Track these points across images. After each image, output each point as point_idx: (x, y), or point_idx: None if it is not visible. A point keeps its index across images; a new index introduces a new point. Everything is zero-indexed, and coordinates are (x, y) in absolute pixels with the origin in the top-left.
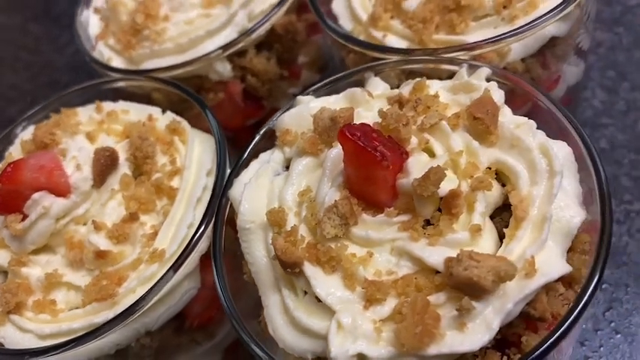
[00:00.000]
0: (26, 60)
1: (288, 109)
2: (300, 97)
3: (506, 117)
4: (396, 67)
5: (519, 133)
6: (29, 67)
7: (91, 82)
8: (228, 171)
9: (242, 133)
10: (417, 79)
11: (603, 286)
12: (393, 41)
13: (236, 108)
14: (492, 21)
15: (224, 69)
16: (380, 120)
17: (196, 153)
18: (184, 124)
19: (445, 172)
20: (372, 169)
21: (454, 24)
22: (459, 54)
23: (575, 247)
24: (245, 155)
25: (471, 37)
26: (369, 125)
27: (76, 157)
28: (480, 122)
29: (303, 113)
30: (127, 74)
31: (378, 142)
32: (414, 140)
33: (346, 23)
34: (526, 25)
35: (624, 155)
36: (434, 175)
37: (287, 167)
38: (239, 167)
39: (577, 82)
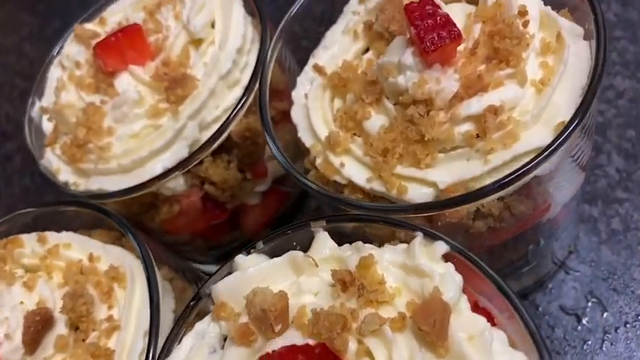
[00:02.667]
0: (21, 87)
1: (224, 275)
2: (238, 261)
3: (461, 319)
4: (348, 222)
5: (471, 351)
6: (24, 95)
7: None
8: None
9: (208, 233)
10: (364, 254)
11: None
12: (352, 170)
13: (196, 215)
14: (464, 153)
15: (177, 184)
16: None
17: (135, 307)
18: (125, 267)
19: None
20: None
21: (418, 157)
22: (425, 192)
23: None
24: (177, 329)
25: (438, 173)
26: None
27: (8, 320)
28: (425, 334)
29: (240, 284)
30: (66, 193)
31: None
32: (352, 347)
33: (305, 136)
34: (503, 164)
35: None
36: None
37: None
38: (170, 342)
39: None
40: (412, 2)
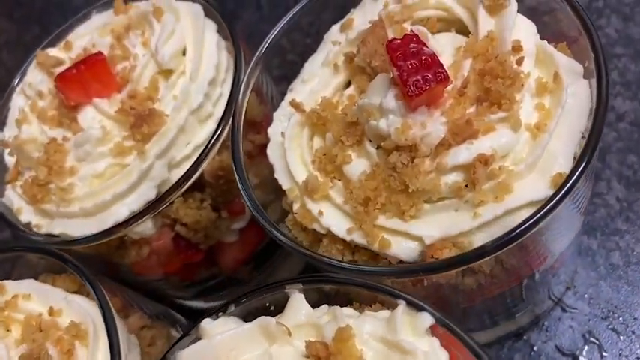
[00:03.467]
0: None
1: (191, 342)
2: (205, 326)
3: None
4: (325, 284)
5: None
6: None
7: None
8: None
9: (183, 271)
10: (342, 324)
11: None
12: (332, 219)
13: (168, 256)
14: (452, 204)
15: (145, 228)
16: None
17: None
18: (88, 322)
19: None
20: None
21: (402, 209)
22: (409, 246)
23: None
24: None
25: (424, 226)
26: None
27: None
28: None
29: (206, 353)
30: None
31: None
32: None
33: (282, 178)
34: (495, 218)
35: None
36: None
37: None
38: None
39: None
40: (395, 39)
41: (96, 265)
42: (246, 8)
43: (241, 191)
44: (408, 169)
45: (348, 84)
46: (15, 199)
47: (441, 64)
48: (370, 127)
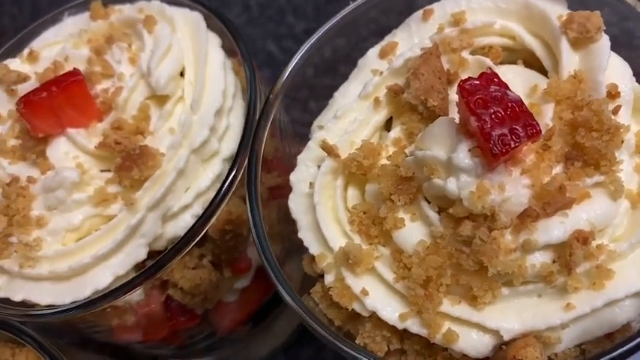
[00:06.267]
0: None
1: None
2: None
3: None
4: None
5: None
6: None
7: None
8: None
9: (170, 337)
10: None
11: None
12: (380, 301)
13: (156, 324)
14: (536, 289)
15: (131, 296)
16: None
17: None
18: None
19: None
20: None
21: (475, 294)
22: (482, 341)
23: None
24: None
25: (502, 316)
26: None
27: None
28: None
29: None
30: None
31: None
32: None
33: (309, 240)
34: (592, 311)
35: None
36: None
37: None
38: None
39: None
40: (470, 79)
41: (63, 331)
42: (232, 9)
43: (263, 259)
44: (486, 246)
45: (388, 121)
46: None
47: (531, 115)
48: (432, 187)
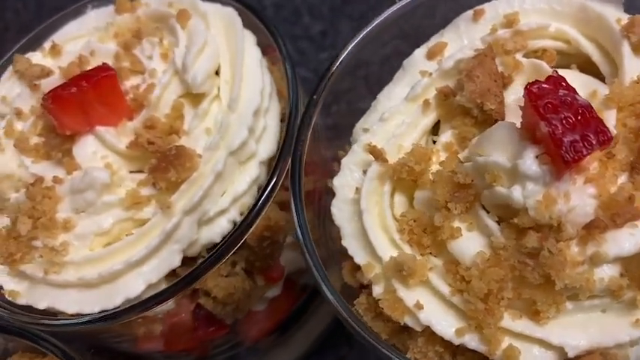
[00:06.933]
0: None
1: None
2: None
3: None
4: None
5: None
6: None
7: None
8: None
9: (195, 347)
10: None
11: None
12: (434, 315)
13: (184, 335)
14: (602, 304)
15: (162, 306)
16: None
17: None
18: None
19: None
20: None
21: (538, 308)
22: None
23: None
24: None
25: (566, 332)
26: None
27: None
28: None
29: None
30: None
31: None
32: None
33: (355, 248)
34: None
35: None
36: None
37: None
38: None
39: None
40: (537, 82)
41: (84, 339)
42: None
43: (312, 268)
44: (554, 258)
45: (436, 124)
46: None
47: (602, 121)
48: (493, 195)
